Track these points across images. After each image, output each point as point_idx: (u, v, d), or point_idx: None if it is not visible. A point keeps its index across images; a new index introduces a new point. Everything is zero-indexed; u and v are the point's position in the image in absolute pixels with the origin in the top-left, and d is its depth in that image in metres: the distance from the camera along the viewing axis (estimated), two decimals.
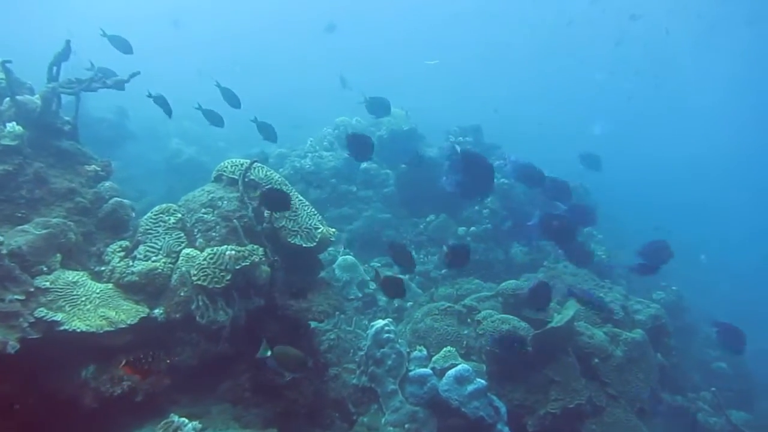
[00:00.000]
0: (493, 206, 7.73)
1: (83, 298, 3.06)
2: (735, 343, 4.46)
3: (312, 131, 9.94)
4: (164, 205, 3.82)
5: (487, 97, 21.93)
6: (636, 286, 7.45)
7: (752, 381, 7.20)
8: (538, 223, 3.91)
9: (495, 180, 4.00)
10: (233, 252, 3.42)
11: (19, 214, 3.33)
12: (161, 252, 3.52)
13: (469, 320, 5.12)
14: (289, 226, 3.97)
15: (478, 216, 7.76)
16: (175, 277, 3.41)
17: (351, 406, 4.09)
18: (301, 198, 4.31)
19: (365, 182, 8.45)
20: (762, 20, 18.51)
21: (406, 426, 3.91)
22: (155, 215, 3.72)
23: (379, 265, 6.99)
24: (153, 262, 3.44)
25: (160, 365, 3.05)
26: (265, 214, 3.91)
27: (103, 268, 3.44)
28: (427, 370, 4.13)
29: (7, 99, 3.76)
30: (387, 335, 4.16)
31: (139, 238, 3.61)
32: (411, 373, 4.12)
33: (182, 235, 3.67)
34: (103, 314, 3.01)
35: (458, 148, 3.61)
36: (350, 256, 6.61)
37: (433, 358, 4.29)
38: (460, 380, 3.99)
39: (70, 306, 2.98)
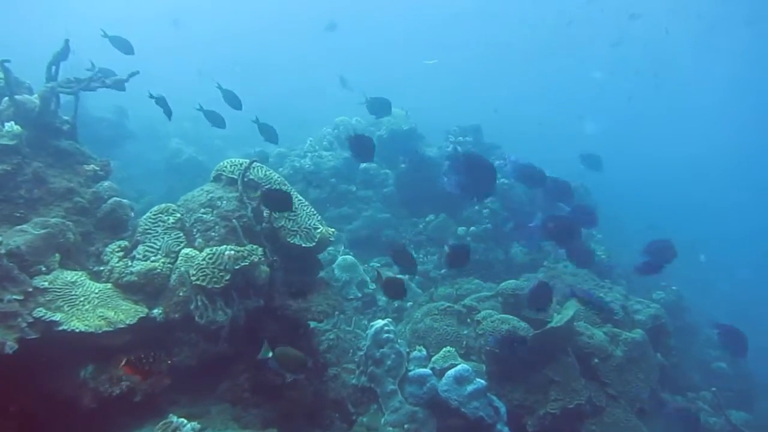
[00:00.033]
0: (493, 206, 7.72)
1: (82, 298, 3.06)
2: (737, 346, 4.46)
3: (312, 131, 9.94)
4: (163, 205, 3.81)
5: (487, 97, 21.93)
6: (636, 285, 7.45)
7: (752, 381, 7.20)
8: (541, 224, 3.91)
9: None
10: (232, 252, 3.42)
11: (18, 214, 3.32)
12: (160, 252, 3.52)
13: (468, 320, 5.11)
14: (289, 226, 3.97)
15: (478, 216, 7.76)
16: (174, 277, 3.40)
17: (350, 407, 4.08)
18: (301, 198, 4.30)
19: (365, 182, 8.45)
20: (761, 20, 18.52)
21: (406, 426, 3.90)
22: (154, 215, 3.71)
23: (379, 265, 6.99)
24: (152, 262, 3.44)
25: (161, 366, 3.05)
26: (264, 214, 3.91)
27: (101, 268, 3.43)
28: (427, 371, 4.12)
29: (6, 98, 3.75)
30: (386, 335, 4.16)
31: (138, 238, 3.60)
32: (410, 373, 4.11)
33: (181, 235, 3.66)
34: (101, 314, 3.00)
35: (459, 149, 3.63)
36: (350, 256, 6.61)
37: (433, 358, 4.29)
38: (460, 380, 3.99)
39: (68, 306, 2.97)
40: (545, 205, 6.53)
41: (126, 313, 3.10)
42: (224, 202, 3.87)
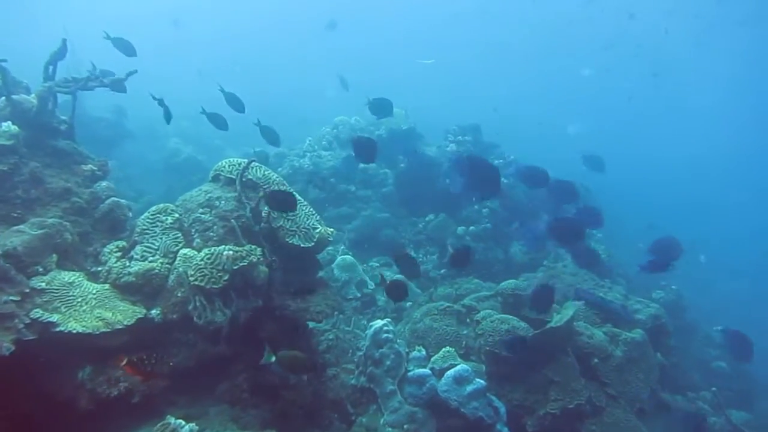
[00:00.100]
0: (492, 205, 7.71)
1: (79, 299, 3.04)
2: (743, 351, 4.46)
3: (311, 130, 9.93)
4: (161, 205, 3.80)
5: (487, 97, 21.92)
6: (635, 285, 7.44)
7: (752, 380, 7.18)
8: (548, 226, 3.93)
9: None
10: (231, 252, 3.41)
11: (15, 215, 3.31)
12: (158, 252, 3.51)
13: (468, 320, 5.09)
14: (288, 226, 3.95)
15: (477, 215, 7.75)
16: (172, 277, 3.39)
17: (349, 407, 4.06)
18: (300, 198, 4.29)
19: (364, 182, 8.43)
20: (754, 20, 18.52)
21: (405, 426, 3.89)
22: (152, 215, 3.70)
23: (378, 264, 6.98)
24: (150, 262, 3.43)
25: (163, 368, 3.04)
26: (263, 214, 3.89)
27: (99, 269, 3.42)
28: (426, 371, 4.11)
29: (3, 98, 3.74)
30: (386, 335, 4.14)
31: (136, 238, 3.59)
32: (410, 374, 4.10)
33: (179, 235, 3.65)
34: (99, 315, 2.99)
35: (459, 149, 3.68)
36: (349, 256, 6.59)
37: (432, 359, 4.27)
38: (459, 380, 3.97)
39: (66, 307, 2.96)
40: (551, 206, 6.55)
41: (124, 313, 3.09)
42: (223, 202, 3.86)
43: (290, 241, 3.91)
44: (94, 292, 3.15)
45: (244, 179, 4.04)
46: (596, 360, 4.71)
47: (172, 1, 25.45)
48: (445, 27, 28.52)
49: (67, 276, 3.14)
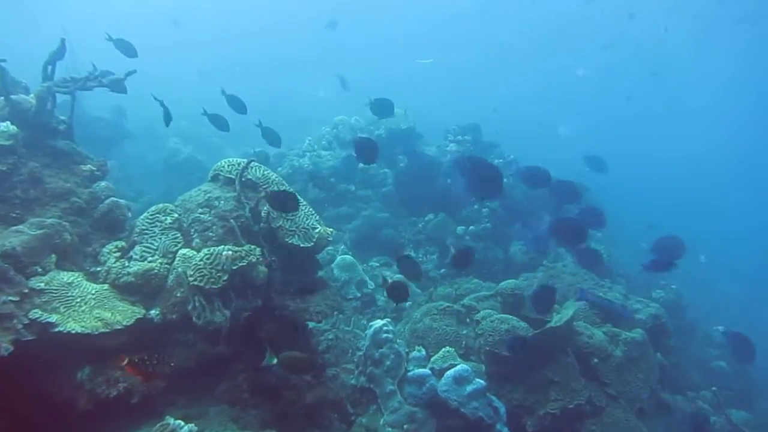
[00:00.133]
0: (492, 205, 7.70)
1: (78, 299, 3.04)
2: (745, 353, 4.46)
3: (311, 130, 9.92)
4: (160, 205, 3.80)
5: (487, 96, 21.91)
6: (635, 285, 7.43)
7: (752, 380, 7.17)
8: (550, 226, 3.93)
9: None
10: (230, 252, 3.40)
11: (14, 215, 3.31)
12: (157, 252, 3.50)
13: (468, 320, 5.09)
14: (287, 226, 3.95)
15: (477, 215, 7.74)
16: (171, 277, 3.38)
17: (349, 407, 4.06)
18: (299, 197, 4.28)
19: (364, 181, 8.43)
20: (753, 19, 18.52)
21: (405, 427, 3.89)
22: (151, 215, 3.69)
23: (378, 264, 6.97)
24: (149, 262, 3.42)
25: (164, 368, 3.03)
26: (262, 214, 3.89)
27: (98, 269, 3.42)
28: (426, 371, 4.10)
29: (2, 98, 3.73)
30: (385, 335, 4.14)
31: (135, 238, 3.59)
32: (410, 374, 4.09)
33: (179, 235, 3.65)
34: (98, 315, 2.99)
35: (459, 150, 3.71)
36: (348, 256, 6.58)
37: (432, 359, 4.27)
38: (459, 380, 3.97)
39: (65, 307, 2.95)
40: (552, 206, 6.54)
41: (123, 314, 3.09)
42: (222, 202, 3.85)
43: (289, 241, 3.91)
44: (93, 292, 3.15)
45: (243, 179, 4.03)
46: (596, 360, 4.71)
47: (172, 1, 25.44)
48: (445, 27, 28.51)
49: (66, 276, 3.13)
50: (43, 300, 2.91)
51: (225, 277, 3.31)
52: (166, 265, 3.44)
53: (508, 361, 4.43)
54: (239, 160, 4.24)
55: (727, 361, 7.17)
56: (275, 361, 2.99)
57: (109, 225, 3.74)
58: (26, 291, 2.86)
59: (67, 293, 3.03)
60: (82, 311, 2.98)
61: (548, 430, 4.22)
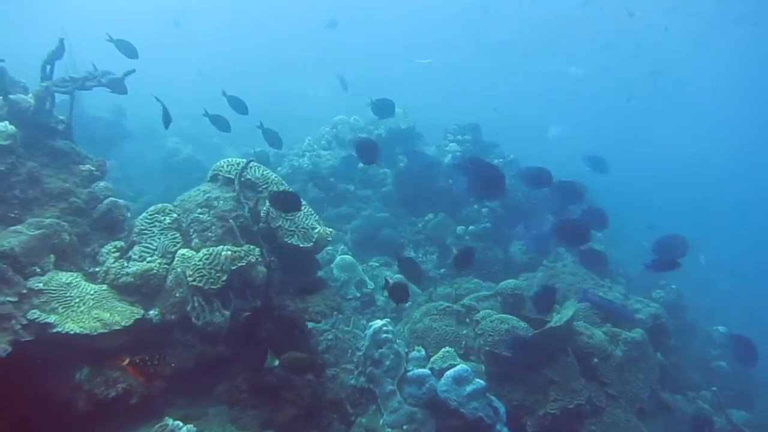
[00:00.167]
0: (492, 205, 7.69)
1: (77, 300, 3.03)
2: (748, 356, 4.46)
3: (310, 130, 9.91)
4: (159, 205, 3.79)
5: (487, 96, 21.90)
6: (635, 284, 7.42)
7: (753, 380, 7.17)
8: (553, 228, 3.93)
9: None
10: (229, 252, 3.39)
11: (12, 215, 3.30)
12: (156, 252, 3.49)
13: (467, 320, 5.08)
14: (286, 226, 3.94)
15: (477, 215, 7.73)
16: (170, 278, 3.38)
17: (349, 407, 4.05)
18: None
19: (363, 181, 8.42)
20: (752, 19, 18.53)
21: (405, 427, 3.88)
22: (150, 215, 3.69)
23: (378, 264, 6.96)
24: (148, 262, 3.41)
25: (166, 369, 3.02)
26: (262, 214, 3.88)
27: (97, 269, 3.41)
28: (426, 371, 4.10)
29: (0, 98, 3.72)
30: (385, 335, 4.13)
31: (134, 238, 3.58)
32: (409, 374, 4.09)
33: (178, 235, 3.64)
34: (97, 316, 2.98)
35: (460, 153, 3.73)
36: (348, 256, 6.58)
37: (432, 359, 4.26)
38: (459, 380, 3.96)
39: (63, 308, 2.95)
40: (554, 206, 6.53)
41: (122, 314, 3.08)
42: (221, 202, 3.84)
43: (289, 241, 3.90)
44: (91, 292, 3.14)
45: (242, 179, 4.02)
46: (596, 360, 4.70)
47: (172, 0, 25.42)
48: (445, 26, 28.49)
49: (65, 276, 3.12)
50: (42, 300, 2.90)
51: (224, 278, 3.30)
52: (165, 266, 3.44)
53: (507, 361, 4.42)
54: (238, 160, 4.23)
55: (728, 361, 7.16)
56: (276, 363, 2.99)
57: (108, 225, 3.73)
58: (25, 291, 2.85)
59: (65, 294, 3.02)
60: (81, 312, 2.97)
61: (548, 430, 4.21)
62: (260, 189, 4.08)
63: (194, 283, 3.26)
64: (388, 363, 4.07)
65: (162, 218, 3.68)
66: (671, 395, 5.53)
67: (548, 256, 7.23)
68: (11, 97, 3.73)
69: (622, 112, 23.94)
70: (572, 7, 23.31)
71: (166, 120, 4.54)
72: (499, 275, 6.61)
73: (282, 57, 25.66)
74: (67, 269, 3.23)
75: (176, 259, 3.44)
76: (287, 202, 3.58)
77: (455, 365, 4.08)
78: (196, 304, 3.26)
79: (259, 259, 3.52)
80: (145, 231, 3.60)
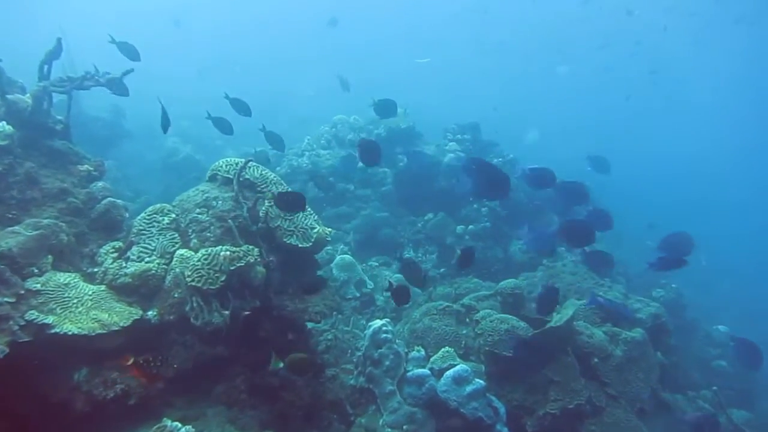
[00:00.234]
0: (492, 204, 7.68)
1: (75, 300, 3.02)
2: (752, 360, 4.44)
3: (310, 129, 9.90)
4: (158, 206, 3.77)
5: (486, 96, 21.90)
6: (635, 284, 7.41)
7: (753, 380, 7.16)
8: (558, 229, 3.92)
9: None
10: (228, 252, 3.38)
11: (10, 215, 3.29)
12: (155, 253, 3.48)
13: (467, 320, 5.07)
14: (285, 226, 3.93)
15: (477, 214, 7.72)
16: (168, 278, 3.36)
17: (349, 407, 4.04)
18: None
19: (363, 181, 8.40)
20: (750, 18, 18.54)
21: (405, 427, 3.87)
22: (149, 215, 3.67)
23: (377, 264, 6.95)
24: (146, 263, 3.40)
25: (167, 370, 3.01)
26: (261, 214, 3.87)
27: (95, 270, 3.39)
28: (426, 371, 4.09)
29: None
30: (385, 335, 4.12)
31: (133, 238, 3.56)
32: (409, 374, 4.08)
33: (176, 235, 3.62)
34: (95, 316, 2.96)
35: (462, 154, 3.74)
36: (348, 255, 6.57)
37: (432, 359, 4.25)
38: (459, 381, 3.95)
39: (61, 308, 2.93)
40: (559, 207, 6.50)
41: (120, 315, 3.06)
42: (220, 202, 3.83)
43: (288, 241, 3.88)
44: (89, 293, 3.12)
45: (241, 179, 4.01)
46: (596, 359, 4.69)
47: (172, 0, 25.41)
48: (444, 26, 28.50)
49: (63, 277, 3.11)
50: (40, 301, 2.89)
51: (223, 278, 3.29)
52: (164, 266, 3.42)
53: (507, 361, 4.41)
54: (237, 159, 4.21)
55: (728, 361, 7.16)
56: (281, 365, 2.98)
57: (106, 225, 3.72)
58: (22, 292, 2.83)
59: (63, 294, 3.00)
60: (79, 312, 2.96)
61: (548, 431, 4.20)
62: (259, 189, 4.07)
63: (193, 284, 3.24)
64: (387, 363, 4.06)
65: (160, 218, 3.66)
66: (671, 395, 5.52)
67: (552, 258, 7.19)
68: (9, 97, 3.71)
69: (621, 111, 23.96)
70: (572, 7, 23.30)
71: (165, 124, 4.53)
72: (498, 275, 6.60)
73: (282, 57, 25.65)
74: (65, 270, 3.22)
75: (175, 259, 3.43)
76: (292, 203, 3.57)
77: (455, 365, 4.07)
78: (194, 305, 3.24)
79: (258, 260, 3.51)
80: (144, 231, 3.59)
